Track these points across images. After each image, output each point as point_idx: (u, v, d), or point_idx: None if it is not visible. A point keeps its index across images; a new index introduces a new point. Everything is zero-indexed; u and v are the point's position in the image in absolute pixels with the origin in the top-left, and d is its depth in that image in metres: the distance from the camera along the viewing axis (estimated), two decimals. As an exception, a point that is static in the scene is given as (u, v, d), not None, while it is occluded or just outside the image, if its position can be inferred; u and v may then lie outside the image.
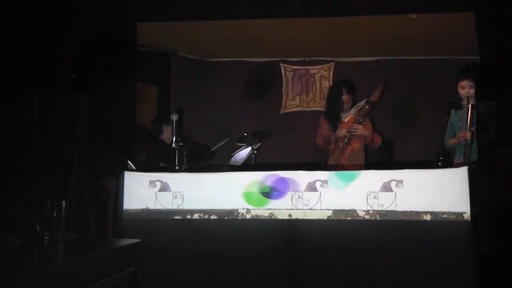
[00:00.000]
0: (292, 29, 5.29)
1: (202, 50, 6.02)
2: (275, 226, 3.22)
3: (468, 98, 3.82)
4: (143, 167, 4.29)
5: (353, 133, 4.44)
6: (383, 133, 5.65)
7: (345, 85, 4.68)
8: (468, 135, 3.70)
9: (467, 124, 3.73)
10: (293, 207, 3.22)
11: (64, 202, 2.26)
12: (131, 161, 4.29)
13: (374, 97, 4.44)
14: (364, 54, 5.96)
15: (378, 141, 4.62)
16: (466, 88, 3.93)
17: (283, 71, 6.23)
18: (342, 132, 4.47)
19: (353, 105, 4.64)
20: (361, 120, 4.45)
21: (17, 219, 3.80)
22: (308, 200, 3.20)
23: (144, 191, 3.35)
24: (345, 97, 4.60)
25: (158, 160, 4.59)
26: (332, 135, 4.57)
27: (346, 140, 4.47)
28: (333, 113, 4.64)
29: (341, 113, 4.63)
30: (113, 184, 4.31)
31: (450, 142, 4.04)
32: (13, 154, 4.06)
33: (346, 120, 4.61)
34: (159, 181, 3.36)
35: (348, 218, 3.15)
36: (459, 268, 2.96)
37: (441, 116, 3.91)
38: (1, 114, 3.94)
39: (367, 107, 4.44)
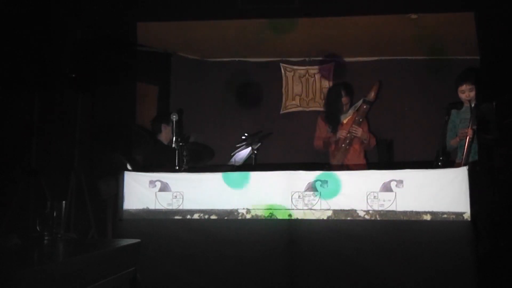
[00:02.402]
0: (292, 29, 5.28)
1: (202, 50, 6.01)
2: (275, 226, 3.22)
3: (469, 101, 3.85)
4: (140, 168, 4.29)
5: (353, 134, 4.46)
6: (383, 133, 5.66)
7: (343, 87, 4.70)
8: (470, 133, 3.72)
9: (468, 124, 3.75)
10: (293, 207, 3.22)
11: (64, 202, 2.26)
12: (129, 163, 4.28)
13: (370, 96, 4.47)
14: (364, 54, 5.96)
15: (373, 142, 4.66)
16: (466, 92, 3.97)
17: (283, 71, 6.22)
18: (343, 133, 4.48)
19: (350, 106, 4.66)
20: (360, 120, 4.47)
21: (17, 219, 3.80)
22: (308, 200, 3.21)
23: (144, 191, 3.35)
24: (344, 99, 4.62)
25: (156, 161, 4.59)
26: (332, 136, 4.58)
27: (348, 141, 4.48)
28: (332, 116, 4.66)
29: (340, 115, 4.65)
30: (110, 186, 4.32)
31: (452, 142, 4.04)
32: (13, 154, 4.06)
33: (345, 122, 4.63)
34: (159, 181, 3.36)
35: (348, 218, 3.15)
36: (459, 268, 2.96)
37: (441, 116, 3.91)
38: (1, 114, 3.94)
39: (364, 106, 4.47)
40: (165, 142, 4.79)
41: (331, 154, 4.63)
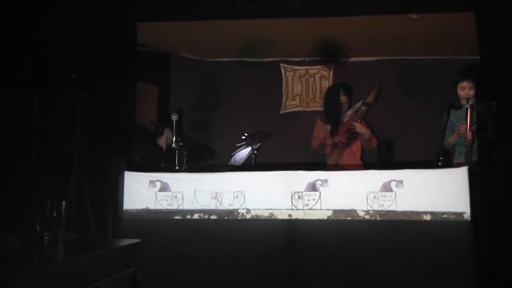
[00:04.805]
0: (292, 29, 5.28)
1: (202, 50, 6.01)
2: (275, 226, 3.22)
3: (467, 99, 3.84)
4: (140, 168, 4.28)
5: (351, 130, 4.46)
6: (383, 133, 5.66)
7: (342, 87, 4.71)
8: (469, 134, 3.71)
9: (466, 123, 3.75)
10: (293, 207, 3.22)
11: (64, 202, 2.26)
12: (127, 165, 4.28)
13: (370, 98, 4.48)
14: (364, 54, 5.96)
15: (374, 142, 4.64)
16: (466, 89, 3.95)
17: (283, 71, 6.22)
18: (340, 139, 4.48)
19: (349, 107, 4.66)
20: (358, 120, 4.48)
21: (17, 219, 3.79)
22: (308, 200, 3.21)
23: (144, 191, 3.35)
24: (342, 98, 4.62)
25: (156, 161, 4.58)
26: (328, 138, 4.58)
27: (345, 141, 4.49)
28: (332, 115, 4.66)
29: (339, 114, 4.65)
30: (103, 189, 4.32)
31: (449, 139, 4.04)
32: (13, 154, 4.05)
33: (344, 122, 4.62)
34: (159, 181, 3.36)
35: (348, 218, 3.15)
36: (459, 268, 2.96)
37: (441, 116, 3.91)
38: (1, 114, 3.94)
39: (363, 108, 4.48)
40: (163, 147, 4.76)
41: (327, 156, 4.63)
